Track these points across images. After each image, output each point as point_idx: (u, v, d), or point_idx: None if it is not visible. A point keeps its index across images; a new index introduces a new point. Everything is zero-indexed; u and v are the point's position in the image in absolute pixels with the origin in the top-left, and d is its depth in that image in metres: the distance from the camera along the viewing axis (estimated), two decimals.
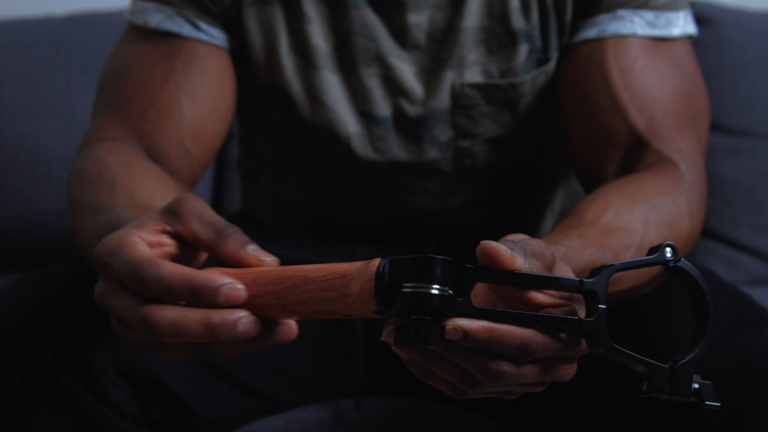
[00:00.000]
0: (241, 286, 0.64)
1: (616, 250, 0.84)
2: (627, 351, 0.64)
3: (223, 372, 0.99)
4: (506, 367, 0.63)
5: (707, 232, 1.65)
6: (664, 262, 0.65)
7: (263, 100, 1.10)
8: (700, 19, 1.67)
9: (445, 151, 1.07)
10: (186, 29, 1.03)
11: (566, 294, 0.65)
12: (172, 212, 0.68)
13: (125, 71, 1.04)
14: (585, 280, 0.64)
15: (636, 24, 1.00)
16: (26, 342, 0.86)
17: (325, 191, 1.13)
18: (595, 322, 0.63)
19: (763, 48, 1.67)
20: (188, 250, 0.69)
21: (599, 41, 1.01)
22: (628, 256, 0.85)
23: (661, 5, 1.01)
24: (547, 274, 0.65)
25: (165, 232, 0.68)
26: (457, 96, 1.05)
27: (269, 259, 0.67)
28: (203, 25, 1.04)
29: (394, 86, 1.05)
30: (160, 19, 1.03)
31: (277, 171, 1.15)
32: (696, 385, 0.66)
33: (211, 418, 0.98)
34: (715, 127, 1.63)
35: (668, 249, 0.65)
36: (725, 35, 1.67)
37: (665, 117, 0.99)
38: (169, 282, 0.64)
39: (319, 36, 1.05)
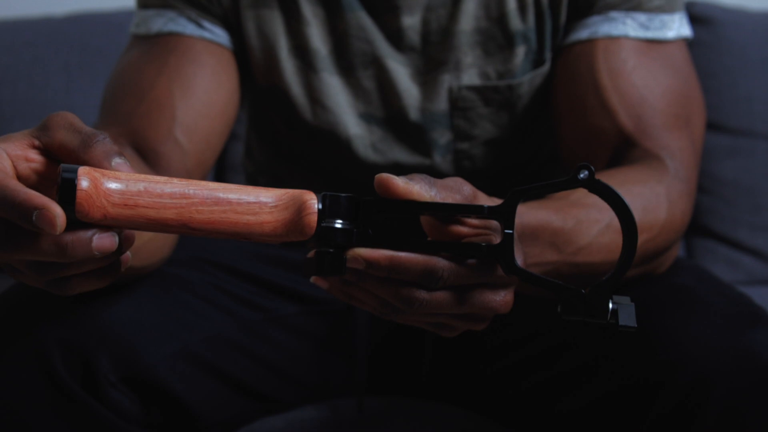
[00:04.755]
0: (58, 213, 0.60)
1: (579, 219, 0.85)
2: (536, 275, 0.66)
3: (225, 374, 0.98)
4: (417, 293, 0.65)
5: (707, 232, 1.65)
6: (579, 181, 0.66)
7: (263, 102, 1.09)
8: (699, 19, 1.67)
9: (445, 153, 1.07)
10: (189, 28, 1.03)
11: (492, 224, 0.67)
12: (42, 126, 0.66)
13: (122, 76, 1.04)
14: (489, 206, 0.67)
15: (628, 26, 1.00)
16: (31, 346, 0.86)
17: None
18: (496, 247, 0.66)
19: (763, 48, 1.67)
20: (55, 167, 0.66)
21: (590, 42, 1.01)
22: (594, 230, 0.86)
23: (655, 7, 1.01)
24: (448, 202, 0.67)
25: (34, 147, 0.65)
26: (454, 98, 1.05)
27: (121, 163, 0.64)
28: (206, 24, 1.03)
29: (390, 88, 1.05)
30: (162, 23, 1.03)
31: (273, 175, 1.15)
32: (613, 306, 0.67)
33: (214, 420, 0.98)
34: (715, 127, 1.63)
35: (584, 170, 0.66)
36: (725, 35, 1.67)
37: (654, 117, 0.99)
38: None
39: (317, 39, 1.05)
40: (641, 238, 0.91)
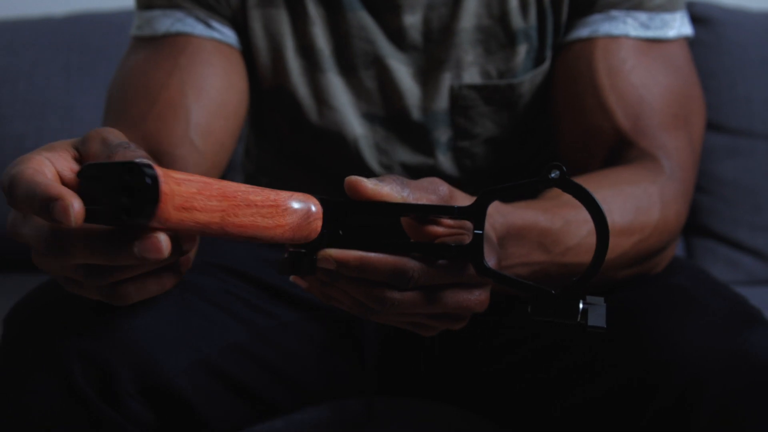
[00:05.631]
0: (70, 203, 0.57)
1: (567, 220, 0.85)
2: (505, 275, 0.66)
3: (238, 383, 0.97)
4: (389, 293, 0.66)
5: (707, 232, 1.65)
6: (550, 180, 0.66)
7: (267, 104, 1.09)
8: (699, 19, 1.67)
9: (446, 151, 1.07)
10: (198, 29, 1.02)
11: (468, 224, 0.68)
12: (82, 139, 0.66)
13: (129, 79, 1.02)
14: (459, 206, 0.67)
15: (629, 25, 1.00)
16: (51, 356, 0.85)
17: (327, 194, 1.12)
18: (465, 247, 0.66)
19: (763, 48, 1.67)
20: None
21: (590, 41, 1.01)
22: (583, 230, 0.86)
23: (656, 6, 1.01)
24: (422, 203, 0.68)
25: (75, 159, 0.65)
26: (455, 97, 1.05)
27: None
28: (215, 24, 1.03)
29: (392, 88, 1.05)
30: (169, 23, 1.02)
31: (275, 176, 1.15)
32: (584, 307, 0.67)
33: (223, 427, 0.97)
34: (715, 127, 1.64)
35: (555, 171, 0.66)
36: (725, 35, 1.67)
37: (652, 117, 0.99)
38: (20, 186, 0.59)
39: (321, 38, 1.05)
40: (633, 239, 0.91)
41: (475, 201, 0.67)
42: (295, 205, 0.65)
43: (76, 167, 0.64)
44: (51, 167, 0.63)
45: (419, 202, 0.68)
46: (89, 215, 0.58)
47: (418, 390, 1.10)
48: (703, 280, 0.98)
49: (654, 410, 0.85)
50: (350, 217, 0.67)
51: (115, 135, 0.65)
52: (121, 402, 0.86)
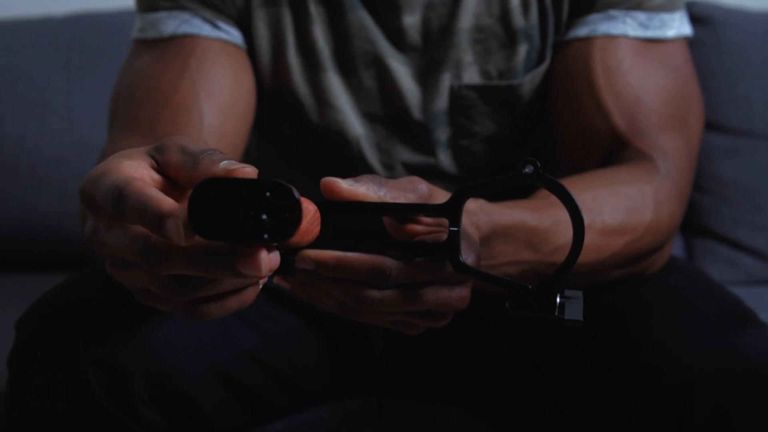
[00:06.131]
0: (180, 224, 0.57)
1: (557, 219, 0.85)
2: (482, 271, 0.66)
3: (247, 390, 0.98)
4: (368, 292, 0.66)
5: (707, 232, 1.65)
6: (524, 176, 0.65)
7: (268, 103, 1.08)
8: (700, 19, 1.67)
9: (446, 150, 1.07)
10: (206, 30, 1.01)
11: (445, 222, 0.68)
12: (157, 148, 0.64)
13: (137, 83, 1.01)
14: (434, 204, 0.67)
15: (628, 25, 1.00)
16: (66, 361, 0.85)
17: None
18: (441, 244, 0.66)
19: (763, 48, 1.67)
20: (176, 190, 0.64)
21: (588, 40, 1.01)
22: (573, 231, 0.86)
23: (655, 6, 1.01)
24: (399, 202, 0.68)
25: (153, 167, 0.64)
26: (455, 97, 1.05)
27: (248, 170, 0.60)
28: (222, 24, 1.02)
29: (393, 89, 1.05)
30: (175, 25, 1.02)
31: (276, 176, 1.14)
32: (561, 301, 0.66)
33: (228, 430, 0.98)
34: (715, 127, 1.64)
35: (529, 165, 0.65)
36: (725, 35, 1.67)
37: (649, 117, 0.99)
38: (131, 198, 0.58)
39: (321, 37, 1.05)
40: (625, 239, 0.91)
41: (450, 198, 0.67)
42: (310, 207, 0.65)
43: (156, 176, 0.63)
44: (145, 172, 0.63)
45: (397, 201, 0.68)
46: (203, 230, 0.58)
47: (416, 390, 1.10)
48: (697, 280, 0.98)
49: (647, 411, 0.85)
50: (328, 217, 0.66)
51: (192, 142, 0.64)
52: (134, 408, 0.86)
